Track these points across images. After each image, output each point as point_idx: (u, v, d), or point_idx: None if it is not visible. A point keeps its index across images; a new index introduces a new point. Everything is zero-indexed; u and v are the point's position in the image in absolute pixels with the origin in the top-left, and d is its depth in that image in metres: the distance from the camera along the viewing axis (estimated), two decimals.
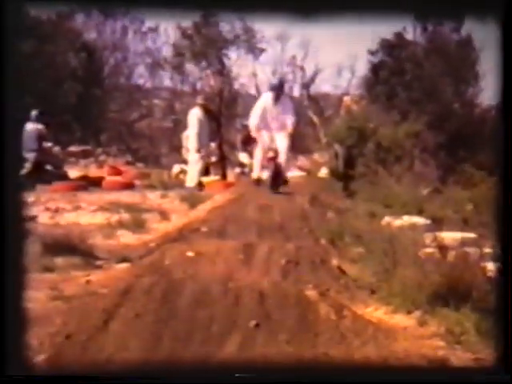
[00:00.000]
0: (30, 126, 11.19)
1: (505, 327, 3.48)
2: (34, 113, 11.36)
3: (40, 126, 11.39)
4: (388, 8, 3.96)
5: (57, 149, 13.49)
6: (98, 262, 5.74)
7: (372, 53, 17.19)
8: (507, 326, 3.46)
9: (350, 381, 3.32)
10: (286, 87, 20.94)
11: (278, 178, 9.02)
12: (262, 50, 18.25)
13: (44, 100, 14.11)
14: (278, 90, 8.88)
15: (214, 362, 3.42)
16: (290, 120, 8.88)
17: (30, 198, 9.31)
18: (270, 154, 8.98)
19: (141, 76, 17.80)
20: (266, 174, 9.19)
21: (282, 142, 8.97)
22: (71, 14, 16.51)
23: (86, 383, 3.28)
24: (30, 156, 11.05)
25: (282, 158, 8.99)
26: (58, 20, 15.93)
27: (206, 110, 11.82)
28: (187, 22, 17.52)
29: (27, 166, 10.96)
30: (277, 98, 8.80)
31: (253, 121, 8.97)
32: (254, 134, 9.03)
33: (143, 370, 3.34)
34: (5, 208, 3.49)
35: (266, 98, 9.02)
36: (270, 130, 8.98)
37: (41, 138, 11.40)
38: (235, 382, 3.31)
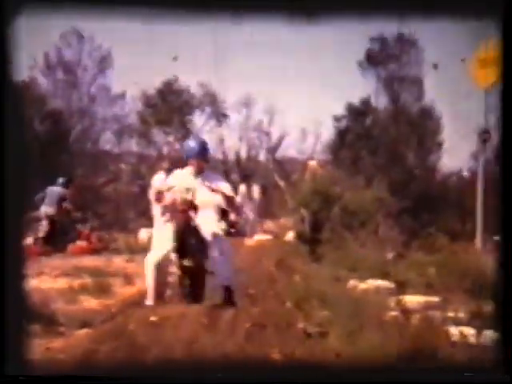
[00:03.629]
0: (55, 189, 12.34)
1: (504, 328, 3.48)
2: (60, 180, 12.50)
3: (64, 190, 12.43)
4: (384, 8, 4.08)
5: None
6: (60, 329, 5.61)
7: (337, 118, 17.62)
8: (507, 326, 3.47)
9: (350, 381, 3.28)
10: (253, 152, 21.38)
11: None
12: (226, 116, 18.58)
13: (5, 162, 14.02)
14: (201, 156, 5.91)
15: None
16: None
17: None
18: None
19: (108, 141, 17.92)
20: None
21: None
22: (35, 81, 16.67)
23: (86, 383, 3.22)
24: (46, 221, 11.99)
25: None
26: (22, 87, 16.02)
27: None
28: (151, 90, 17.85)
29: (44, 224, 11.94)
30: (199, 170, 5.90)
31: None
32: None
33: None
34: None
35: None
36: None
37: (61, 200, 12.32)
38: None
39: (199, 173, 5.86)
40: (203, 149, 5.90)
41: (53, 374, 3.30)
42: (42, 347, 4.82)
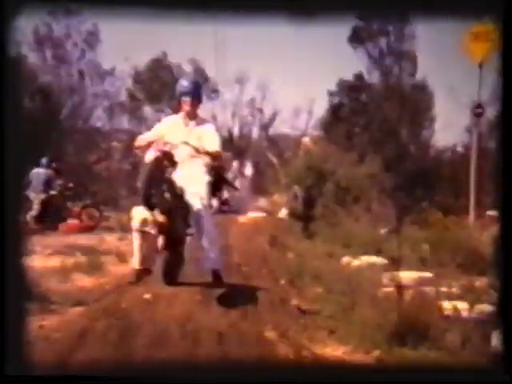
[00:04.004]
0: (41, 171, 12.08)
1: (504, 328, 3.50)
2: (43, 160, 12.25)
3: (49, 171, 12.21)
4: (381, 8, 4.04)
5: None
6: (53, 306, 5.60)
7: (331, 94, 17.56)
8: (507, 326, 3.48)
9: (349, 381, 3.29)
10: (246, 129, 21.23)
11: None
12: (217, 92, 18.48)
13: None
14: (195, 95, 5.50)
15: None
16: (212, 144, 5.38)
17: None
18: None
19: (99, 118, 17.79)
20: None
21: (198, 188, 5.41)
22: (24, 57, 16.49)
23: (86, 383, 3.22)
24: (37, 199, 11.85)
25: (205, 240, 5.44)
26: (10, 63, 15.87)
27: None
28: (141, 67, 17.70)
29: (36, 208, 11.78)
30: (192, 112, 5.49)
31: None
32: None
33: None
34: None
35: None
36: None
37: (49, 182, 12.16)
38: None
39: (192, 117, 5.45)
40: (196, 87, 5.56)
41: (52, 374, 3.29)
42: (36, 325, 4.82)
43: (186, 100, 5.43)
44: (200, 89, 5.68)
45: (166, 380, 3.37)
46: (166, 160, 5.05)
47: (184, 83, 5.51)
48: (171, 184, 5.09)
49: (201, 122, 5.50)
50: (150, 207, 4.94)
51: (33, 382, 3.31)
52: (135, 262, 5.16)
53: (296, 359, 3.72)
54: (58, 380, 3.27)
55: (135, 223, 5.07)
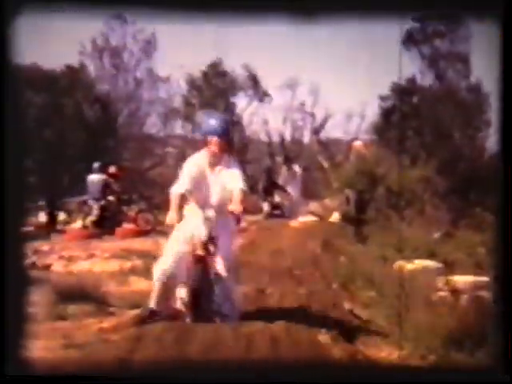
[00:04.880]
0: (96, 177, 12.19)
1: (504, 328, 3.45)
2: (95, 165, 12.35)
3: (104, 177, 12.29)
4: (384, 9, 4.03)
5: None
6: (111, 309, 5.76)
7: (383, 98, 17.42)
8: (507, 326, 3.44)
9: (351, 381, 3.29)
10: (297, 133, 21.27)
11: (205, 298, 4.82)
12: (269, 97, 18.55)
13: (56, 149, 14.45)
14: (223, 135, 5.00)
15: None
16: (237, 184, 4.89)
17: (44, 246, 9.43)
18: (199, 251, 4.79)
19: (153, 125, 18.11)
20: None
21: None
22: (84, 67, 16.96)
23: (86, 383, 3.26)
24: (96, 204, 12.07)
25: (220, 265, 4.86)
26: (71, 73, 16.35)
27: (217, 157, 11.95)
28: (196, 73, 17.94)
29: (95, 213, 11.99)
30: (219, 153, 5.00)
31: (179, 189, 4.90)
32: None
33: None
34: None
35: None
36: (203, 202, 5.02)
37: (106, 187, 12.30)
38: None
39: (219, 157, 4.96)
40: (225, 127, 4.99)
41: (52, 374, 3.34)
42: (94, 327, 4.98)
43: (213, 140, 4.93)
44: (229, 128, 5.08)
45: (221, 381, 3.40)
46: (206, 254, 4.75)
47: (212, 122, 4.98)
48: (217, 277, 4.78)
49: (227, 164, 4.99)
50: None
51: (33, 381, 3.35)
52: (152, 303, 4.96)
53: (350, 363, 3.72)
54: (58, 380, 3.30)
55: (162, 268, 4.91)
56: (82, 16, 3.95)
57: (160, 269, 4.92)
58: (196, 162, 5.01)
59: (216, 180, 4.96)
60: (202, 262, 4.71)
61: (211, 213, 4.87)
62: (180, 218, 4.66)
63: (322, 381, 3.36)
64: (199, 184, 4.92)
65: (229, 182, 4.89)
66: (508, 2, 3.72)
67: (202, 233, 4.73)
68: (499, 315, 3.53)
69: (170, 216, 4.66)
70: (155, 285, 4.97)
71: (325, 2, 4.03)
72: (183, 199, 4.80)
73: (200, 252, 4.66)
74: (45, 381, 3.28)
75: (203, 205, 4.93)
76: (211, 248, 4.72)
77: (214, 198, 4.95)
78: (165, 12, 4.22)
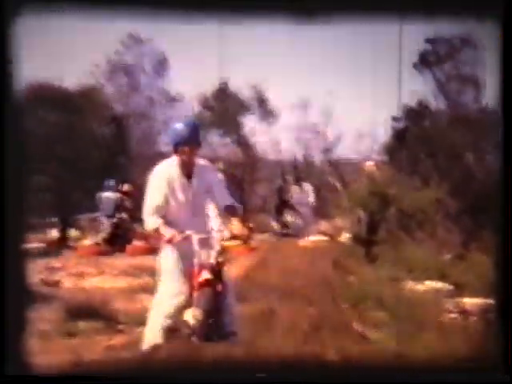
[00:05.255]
0: (109, 194, 12.32)
1: (504, 327, 3.43)
2: (110, 182, 12.47)
3: (119, 195, 12.41)
4: (382, 9, 4.05)
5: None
6: (120, 326, 5.77)
7: (395, 119, 17.45)
8: (507, 326, 3.41)
9: (351, 381, 3.27)
10: (309, 153, 21.41)
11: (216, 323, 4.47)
12: (277, 117, 18.64)
13: (69, 166, 14.57)
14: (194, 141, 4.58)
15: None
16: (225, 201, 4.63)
17: (55, 263, 9.47)
18: (204, 276, 4.44)
19: (166, 144, 18.20)
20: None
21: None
22: (99, 85, 17.11)
23: (86, 383, 3.24)
24: (108, 222, 12.18)
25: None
26: (86, 92, 16.50)
27: (227, 176, 12.00)
28: (208, 92, 18.07)
29: (106, 231, 12.05)
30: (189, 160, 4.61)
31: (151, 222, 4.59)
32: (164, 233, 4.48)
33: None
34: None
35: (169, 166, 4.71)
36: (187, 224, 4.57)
37: (119, 205, 12.41)
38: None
39: (190, 166, 4.58)
40: (195, 131, 4.55)
41: (52, 374, 3.33)
42: (103, 344, 4.99)
43: (185, 149, 4.52)
44: (198, 132, 4.61)
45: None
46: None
47: (179, 128, 4.54)
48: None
49: (203, 172, 4.64)
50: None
51: (33, 381, 3.33)
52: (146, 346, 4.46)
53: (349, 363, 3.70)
54: (58, 380, 3.28)
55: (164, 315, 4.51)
56: (82, 16, 3.96)
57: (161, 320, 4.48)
58: (162, 180, 4.59)
59: (195, 195, 4.58)
60: (209, 285, 4.44)
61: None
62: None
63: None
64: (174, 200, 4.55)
65: (217, 196, 4.57)
66: (508, 2, 3.74)
67: (209, 256, 4.48)
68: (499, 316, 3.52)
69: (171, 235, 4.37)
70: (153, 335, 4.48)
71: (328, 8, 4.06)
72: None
73: (208, 276, 4.42)
74: (45, 381, 3.27)
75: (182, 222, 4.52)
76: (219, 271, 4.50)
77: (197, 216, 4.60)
78: (165, 12, 4.21)
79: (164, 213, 4.54)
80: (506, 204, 3.63)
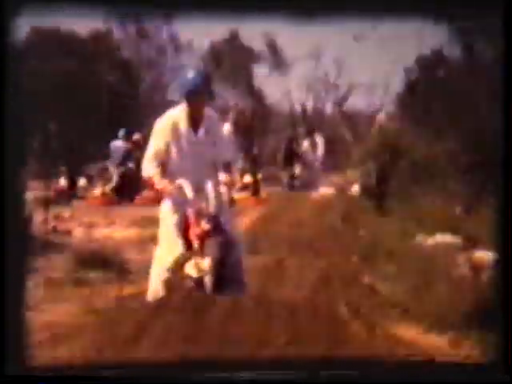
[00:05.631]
0: (119, 143, 12.33)
1: (505, 327, 3.41)
2: (121, 131, 12.43)
3: (128, 144, 12.39)
4: (383, 6, 3.95)
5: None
6: (131, 276, 5.80)
7: (408, 69, 17.15)
8: (507, 325, 3.40)
9: (351, 380, 3.28)
10: (320, 104, 21.09)
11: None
12: (290, 67, 18.38)
13: (79, 115, 14.50)
14: (195, 97, 4.42)
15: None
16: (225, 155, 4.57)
17: (65, 213, 9.50)
18: (205, 226, 4.32)
19: (176, 92, 17.97)
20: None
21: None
22: (108, 32, 16.88)
23: (86, 383, 3.27)
24: (116, 171, 12.24)
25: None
26: (97, 38, 16.30)
27: (238, 126, 11.89)
28: (217, 40, 17.81)
29: (115, 180, 12.11)
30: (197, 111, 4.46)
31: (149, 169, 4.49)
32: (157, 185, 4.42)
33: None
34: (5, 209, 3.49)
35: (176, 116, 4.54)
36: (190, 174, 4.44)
37: (128, 154, 12.41)
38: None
39: (198, 116, 4.43)
40: (207, 82, 4.40)
41: (52, 374, 3.33)
42: (114, 294, 5.01)
43: (195, 99, 4.38)
44: (210, 83, 4.47)
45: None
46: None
47: (186, 79, 4.40)
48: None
49: (211, 124, 4.50)
50: None
51: (33, 381, 3.35)
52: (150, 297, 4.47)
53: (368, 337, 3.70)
54: (58, 380, 3.29)
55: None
56: (81, 16, 3.89)
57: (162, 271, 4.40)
58: (167, 128, 4.45)
59: (199, 146, 4.45)
60: (209, 236, 4.30)
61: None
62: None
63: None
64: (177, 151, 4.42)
65: (218, 151, 4.47)
66: (508, 2, 3.63)
67: (210, 205, 4.34)
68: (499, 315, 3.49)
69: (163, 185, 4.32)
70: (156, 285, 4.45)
71: None
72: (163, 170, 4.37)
73: (206, 226, 4.28)
74: (45, 381, 3.29)
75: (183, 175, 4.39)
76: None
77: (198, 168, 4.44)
78: None
79: (165, 160, 4.43)
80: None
